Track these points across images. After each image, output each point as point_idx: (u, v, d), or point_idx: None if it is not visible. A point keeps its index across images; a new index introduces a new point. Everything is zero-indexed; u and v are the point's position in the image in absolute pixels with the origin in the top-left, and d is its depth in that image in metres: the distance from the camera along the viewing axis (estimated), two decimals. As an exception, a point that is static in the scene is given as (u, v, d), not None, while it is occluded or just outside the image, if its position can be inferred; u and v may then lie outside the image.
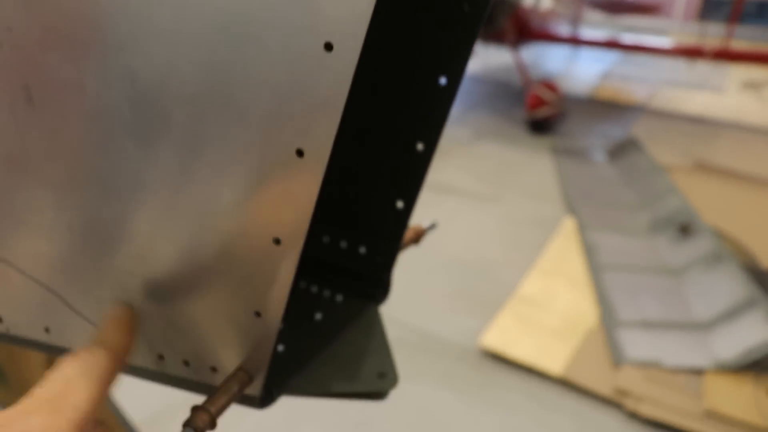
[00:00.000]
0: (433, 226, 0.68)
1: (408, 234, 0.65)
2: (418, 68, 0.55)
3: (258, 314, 0.42)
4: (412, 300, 2.60)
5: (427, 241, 2.86)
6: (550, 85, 4.87)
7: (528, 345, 2.32)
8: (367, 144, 0.61)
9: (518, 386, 2.18)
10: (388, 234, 0.62)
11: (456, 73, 0.53)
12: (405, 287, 2.70)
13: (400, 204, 0.61)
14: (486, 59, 6.59)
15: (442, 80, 0.54)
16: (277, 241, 0.39)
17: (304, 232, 0.38)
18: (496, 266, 2.91)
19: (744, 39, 7.73)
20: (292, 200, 0.37)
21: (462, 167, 4.10)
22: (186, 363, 0.48)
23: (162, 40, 0.36)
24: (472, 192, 3.71)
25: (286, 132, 0.35)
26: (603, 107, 5.86)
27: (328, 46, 0.33)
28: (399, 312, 2.50)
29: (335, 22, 0.32)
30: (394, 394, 0.54)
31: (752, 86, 6.66)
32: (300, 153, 0.35)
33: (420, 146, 0.57)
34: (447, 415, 2.05)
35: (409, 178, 0.59)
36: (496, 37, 5.35)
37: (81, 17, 0.37)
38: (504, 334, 2.37)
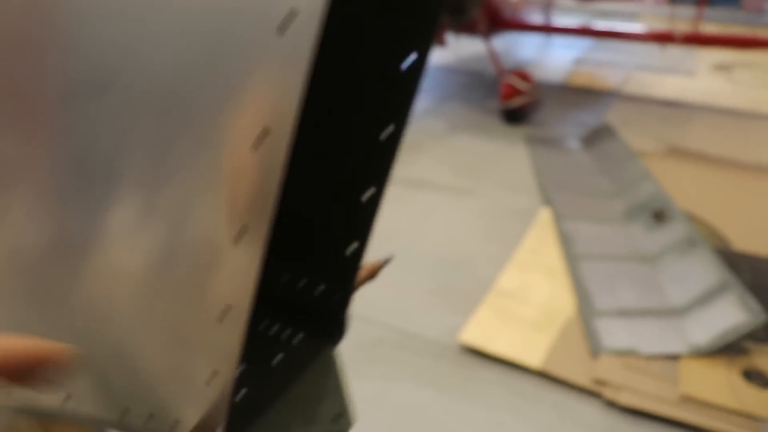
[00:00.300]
0: (388, 261, 0.68)
1: (363, 272, 0.65)
2: (362, 119, 0.55)
3: (215, 373, 0.42)
4: (392, 298, 2.61)
5: (404, 237, 2.87)
6: (523, 75, 4.88)
7: (507, 339, 2.34)
8: (319, 188, 0.61)
9: (499, 380, 2.19)
10: (344, 273, 0.62)
11: (400, 122, 0.53)
12: (384, 286, 2.69)
13: (354, 245, 0.60)
14: (458, 49, 6.58)
15: (389, 129, 0.54)
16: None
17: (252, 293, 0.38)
18: (474, 260, 2.92)
19: (713, 21, 7.80)
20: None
21: (437, 160, 4.10)
22: (151, 416, 0.48)
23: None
24: (447, 185, 3.72)
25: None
26: (577, 94, 5.89)
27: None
28: (379, 312, 2.50)
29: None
30: (376, 393, 0.55)
31: (722, 68, 6.74)
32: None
33: (371, 191, 0.57)
34: (429, 411, 2.07)
35: (360, 221, 0.59)
36: (467, 27, 5.34)
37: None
38: (483, 329, 2.38)
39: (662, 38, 5.18)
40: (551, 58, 7.41)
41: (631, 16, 9.83)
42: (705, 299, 2.38)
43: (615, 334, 2.31)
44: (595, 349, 2.24)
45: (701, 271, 2.54)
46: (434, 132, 4.65)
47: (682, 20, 5.75)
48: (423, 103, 5.32)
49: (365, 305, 2.67)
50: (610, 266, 2.76)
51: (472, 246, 3.06)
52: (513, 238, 3.09)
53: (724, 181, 3.76)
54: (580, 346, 2.29)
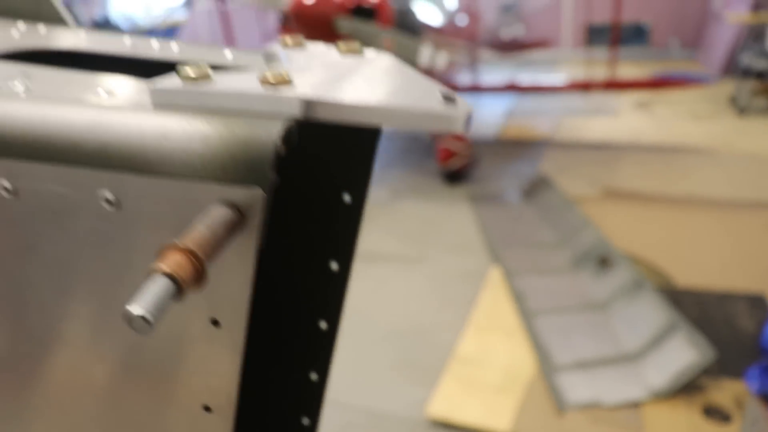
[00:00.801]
0: None
1: None
2: (310, 255, 0.59)
3: None
4: (356, 378, 2.60)
5: (362, 312, 2.86)
6: (457, 136, 5.05)
7: (474, 406, 2.35)
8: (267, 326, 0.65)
9: (471, 452, 2.20)
10: (309, 399, 0.67)
11: (346, 259, 0.58)
12: (346, 366, 2.69)
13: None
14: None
15: (333, 265, 0.59)
16: (207, 408, 0.44)
17: (233, 398, 0.43)
18: (431, 329, 2.95)
19: (626, 59, 8.26)
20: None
21: (384, 230, 4.17)
22: None
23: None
24: (397, 255, 3.77)
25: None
26: (511, 146, 6.11)
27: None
28: (344, 394, 2.49)
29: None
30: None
31: (643, 106, 7.11)
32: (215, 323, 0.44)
33: (323, 325, 0.62)
34: (406, 496, 2.05)
35: (319, 349, 0.64)
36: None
37: None
38: (449, 400, 2.40)
39: (582, 87, 5.46)
40: (482, 112, 7.68)
41: (552, 62, 10.32)
42: (656, 342, 2.47)
43: (577, 387, 2.36)
44: (560, 405, 2.28)
45: (649, 313, 2.64)
46: (378, 200, 4.73)
47: (599, 63, 6.09)
48: (365, 172, 5.41)
49: (330, 387, 2.66)
50: (565, 319, 2.84)
51: (428, 314, 3.10)
52: (467, 301, 3.14)
53: (658, 217, 3.93)
54: (546, 404, 2.33)
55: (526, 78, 7.13)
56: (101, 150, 0.43)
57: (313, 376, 0.62)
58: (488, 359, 2.65)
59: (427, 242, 3.94)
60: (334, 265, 0.60)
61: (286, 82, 0.45)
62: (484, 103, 8.01)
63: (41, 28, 0.79)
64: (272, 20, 5.65)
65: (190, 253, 0.36)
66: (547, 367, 2.50)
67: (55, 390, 0.51)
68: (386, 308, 3.19)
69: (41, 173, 0.44)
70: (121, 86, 0.52)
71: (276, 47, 0.60)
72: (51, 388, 0.51)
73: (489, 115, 7.49)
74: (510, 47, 9.34)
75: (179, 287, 0.34)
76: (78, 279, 0.47)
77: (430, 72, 5.31)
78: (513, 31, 10.90)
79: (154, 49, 0.70)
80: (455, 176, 4.95)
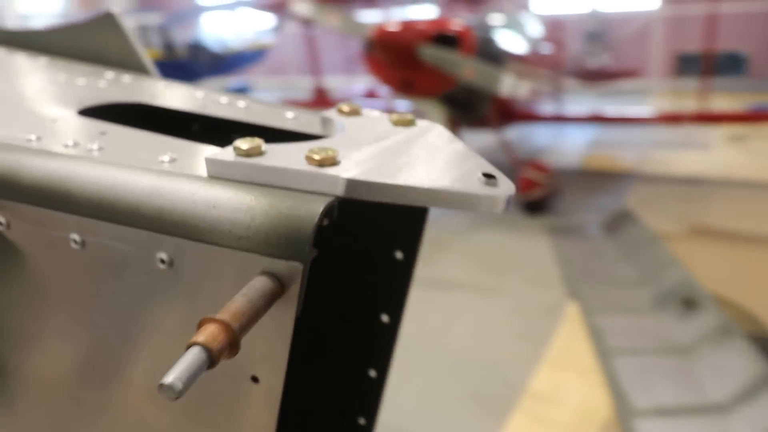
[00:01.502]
0: None
1: None
2: (361, 308, 0.61)
3: None
4: (424, 407, 2.58)
5: (434, 340, 2.86)
6: (539, 166, 4.97)
7: (545, 447, 2.28)
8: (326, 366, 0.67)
9: (540, 494, 2.12)
10: None
11: (396, 311, 0.60)
12: (415, 394, 2.68)
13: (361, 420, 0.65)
14: (473, 141, 6.74)
15: (384, 317, 0.60)
16: None
17: None
18: (504, 362, 2.89)
19: (721, 90, 7.93)
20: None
21: (461, 259, 4.13)
22: None
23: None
24: (473, 284, 3.73)
25: None
26: (594, 178, 5.96)
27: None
28: (411, 422, 2.47)
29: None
30: None
31: (737, 140, 6.78)
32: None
33: (372, 373, 0.63)
34: None
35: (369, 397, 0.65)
36: (480, 122, 5.51)
37: None
38: (519, 438, 2.33)
39: (672, 119, 5.27)
40: (565, 142, 7.54)
41: (640, 92, 10.02)
42: (748, 394, 2.31)
43: (656, 436, 2.24)
44: (637, 454, 2.17)
45: (740, 362, 2.48)
46: (456, 229, 4.71)
47: (690, 94, 5.87)
48: (442, 199, 5.40)
49: (396, 415, 2.65)
50: (644, 360, 2.71)
51: (501, 347, 3.04)
52: (542, 336, 3.06)
53: (752, 259, 3.72)
54: (622, 451, 2.22)
55: (611, 108, 6.95)
56: (158, 214, 0.47)
57: (361, 421, 0.64)
58: (561, 397, 2.56)
59: (503, 273, 3.88)
60: (384, 318, 0.63)
61: (331, 160, 0.47)
62: (568, 133, 7.86)
63: (125, 77, 0.86)
64: (356, 46, 5.78)
65: (226, 325, 0.39)
66: (623, 410, 2.40)
67: (109, 424, 0.56)
68: (458, 337, 3.15)
69: (106, 230, 0.49)
70: (185, 151, 0.56)
71: (333, 113, 0.62)
72: (107, 422, 0.55)
73: (572, 145, 7.35)
74: (595, 77, 9.15)
75: (212, 357, 0.38)
76: (134, 327, 0.52)
77: (511, 101, 5.28)
78: (599, 60, 10.68)
79: (222, 104, 0.74)
80: (535, 207, 4.86)
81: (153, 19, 9.42)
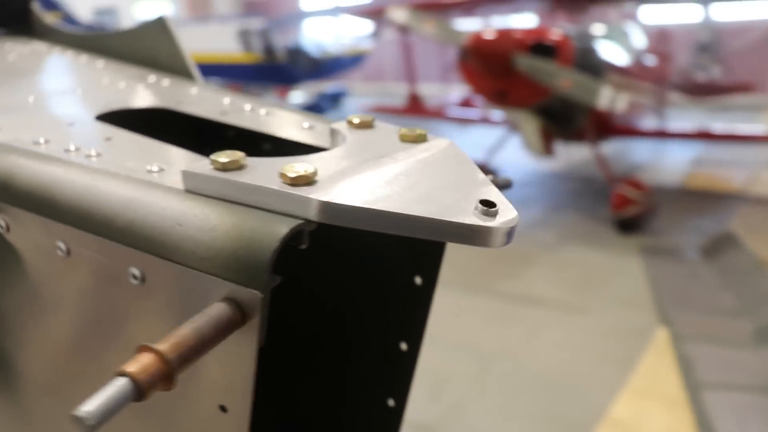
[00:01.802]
0: (509, 184, 0.68)
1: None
2: (380, 335, 0.59)
3: None
4: (496, 426, 2.52)
5: (513, 356, 2.79)
6: (635, 183, 4.76)
7: (622, 479, 2.16)
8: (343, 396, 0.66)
9: None
10: None
11: (415, 339, 0.57)
12: (488, 411, 2.62)
13: None
14: (568, 154, 6.53)
15: (403, 345, 0.58)
16: None
17: None
18: (584, 384, 2.78)
19: None
20: None
21: (547, 275, 4.01)
22: None
23: None
24: (557, 302, 3.61)
25: None
26: (696, 198, 5.64)
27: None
28: (483, 441, 2.42)
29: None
30: None
31: None
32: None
33: (391, 402, 0.61)
34: None
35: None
36: (576, 135, 5.34)
37: None
38: (595, 467, 2.23)
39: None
40: (667, 159, 7.18)
41: (753, 109, 9.40)
42: None
43: (747, 480, 2.08)
44: (723, 498, 2.02)
45: None
46: (543, 244, 4.58)
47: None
48: (532, 213, 5.28)
49: (468, 431, 2.60)
50: (740, 398, 2.53)
51: (582, 369, 2.92)
52: (627, 361, 2.92)
53: None
54: (707, 492, 2.08)
55: (720, 125, 6.55)
56: (130, 227, 0.45)
57: (391, 402, 0.61)
58: (643, 428, 2.43)
59: (590, 292, 3.73)
60: (403, 346, 0.60)
61: (307, 179, 0.43)
62: (670, 150, 7.49)
63: (165, 81, 0.87)
64: (452, 54, 5.76)
65: (161, 356, 0.36)
66: (712, 449, 2.24)
67: None
68: (539, 355, 3.05)
69: (87, 241, 0.48)
70: (179, 162, 0.54)
71: (341, 125, 0.59)
72: None
73: (674, 162, 6.99)
74: (704, 91, 8.66)
75: (139, 390, 0.35)
76: (112, 341, 0.51)
77: (609, 114, 5.09)
78: (709, 73, 10.11)
79: (244, 111, 0.73)
80: (629, 225, 4.65)
81: (255, 23, 9.75)
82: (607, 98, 4.32)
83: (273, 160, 0.47)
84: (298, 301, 0.65)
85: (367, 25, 10.38)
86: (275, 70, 9.54)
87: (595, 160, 5.26)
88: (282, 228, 0.40)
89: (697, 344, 2.96)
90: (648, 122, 6.48)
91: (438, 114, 7.32)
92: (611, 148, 6.30)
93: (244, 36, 9.55)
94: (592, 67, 4.84)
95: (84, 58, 0.98)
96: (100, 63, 0.97)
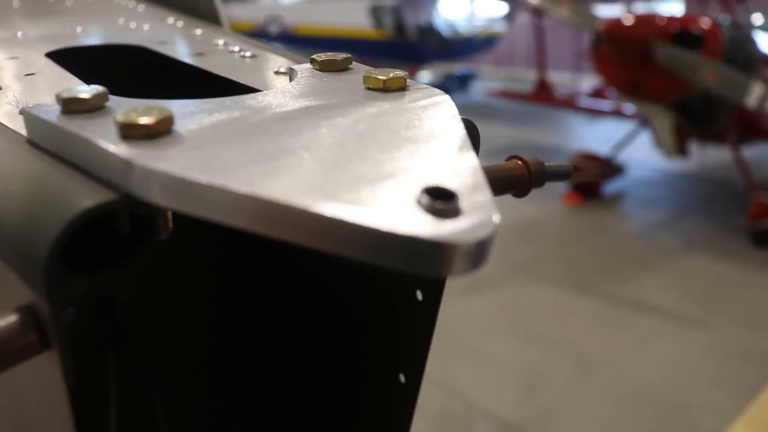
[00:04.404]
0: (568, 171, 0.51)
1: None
2: (378, 366, 0.50)
3: None
4: (590, 437, 2.37)
5: (616, 365, 2.63)
6: (778, 190, 4.31)
7: None
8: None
9: None
10: None
11: (415, 370, 0.47)
12: (583, 419, 2.47)
13: None
14: (704, 156, 6.02)
15: (401, 378, 0.48)
16: None
17: None
18: (694, 407, 2.55)
19: None
20: None
21: (666, 283, 3.72)
22: None
23: None
24: (674, 313, 3.34)
25: None
26: None
27: None
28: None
29: None
30: None
31: None
32: None
33: None
34: None
35: None
36: (715, 136, 4.90)
37: None
38: (695, 498, 2.03)
39: None
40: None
41: None
42: None
43: None
44: None
45: None
46: (666, 249, 4.26)
47: None
48: (656, 215, 4.93)
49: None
50: None
51: (694, 388, 2.68)
52: (748, 387, 2.64)
53: None
54: None
55: None
56: None
57: None
58: (758, 465, 2.19)
59: (713, 307, 3.42)
60: (402, 378, 0.48)
61: (146, 131, 0.29)
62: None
63: (179, 22, 0.78)
64: (586, 41, 5.46)
65: None
66: (839, 500, 1.98)
67: None
68: (646, 368, 2.84)
69: None
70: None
71: (305, 66, 0.46)
72: None
73: (829, 172, 6.26)
74: None
75: None
76: None
77: (758, 114, 4.62)
78: None
79: (227, 52, 0.60)
80: (766, 238, 4.22)
81: (388, 0, 9.76)
82: (758, 96, 3.90)
83: (138, 103, 0.34)
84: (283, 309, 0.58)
85: (501, 7, 10.10)
86: (405, 48, 9.52)
87: (735, 163, 4.80)
88: (76, 204, 0.27)
89: (834, 379, 2.63)
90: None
91: (567, 103, 7.00)
92: (755, 152, 5.74)
93: (375, 12, 9.59)
94: (745, 60, 4.40)
95: (126, 2, 0.95)
96: (141, 7, 0.91)
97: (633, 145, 5.51)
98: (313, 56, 0.45)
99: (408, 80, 0.42)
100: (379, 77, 0.40)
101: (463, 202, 0.23)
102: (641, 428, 2.43)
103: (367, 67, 0.44)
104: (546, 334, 3.11)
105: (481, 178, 0.26)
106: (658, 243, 4.36)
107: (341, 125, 0.33)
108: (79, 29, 0.73)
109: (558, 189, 5.21)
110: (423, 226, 0.22)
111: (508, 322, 3.27)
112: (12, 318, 0.28)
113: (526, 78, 9.99)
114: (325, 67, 0.44)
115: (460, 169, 0.27)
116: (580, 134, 7.97)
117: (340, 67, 0.44)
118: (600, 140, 6.50)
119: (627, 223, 4.84)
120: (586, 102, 6.94)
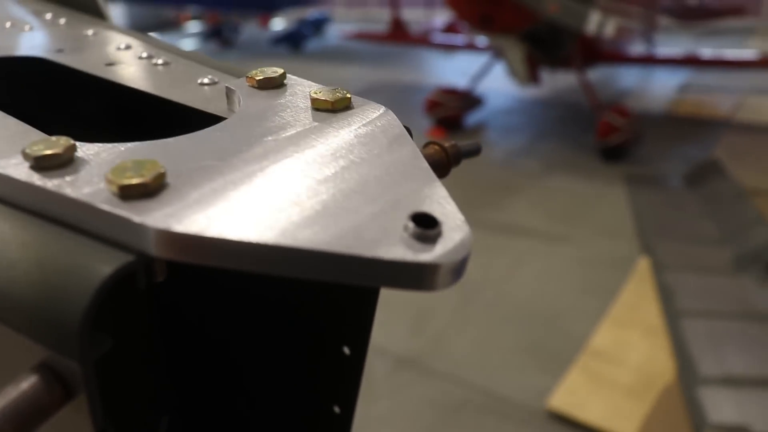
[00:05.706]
0: (477, 149, 0.56)
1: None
2: (322, 339, 0.51)
3: None
4: (478, 356, 2.55)
5: (493, 288, 2.80)
6: (620, 110, 4.69)
7: (599, 406, 2.21)
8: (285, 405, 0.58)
9: (590, 453, 2.08)
10: None
11: (348, 401, 0.49)
12: (471, 342, 2.65)
13: None
14: (554, 81, 6.40)
15: (336, 409, 0.50)
16: None
17: None
18: (566, 315, 2.80)
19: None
20: None
21: (532, 204, 4.00)
22: None
23: None
24: (540, 231, 3.61)
25: None
26: (682, 124, 5.59)
27: None
28: (464, 370, 2.45)
29: None
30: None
31: None
32: None
33: (336, 409, 0.53)
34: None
35: None
36: (562, 62, 5.22)
37: None
38: (574, 395, 2.27)
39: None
40: (654, 85, 7.08)
41: (746, 32, 9.23)
42: (827, 369, 2.15)
43: (722, 406, 2.13)
44: (698, 424, 2.07)
45: (822, 334, 2.31)
46: (528, 172, 4.55)
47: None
48: (517, 141, 5.23)
49: (451, 362, 2.63)
50: (716, 325, 2.56)
51: (565, 299, 2.94)
52: (608, 291, 2.94)
53: None
54: (681, 417, 2.13)
55: (708, 50, 6.43)
56: None
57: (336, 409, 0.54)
58: (622, 357, 2.47)
59: (573, 222, 3.73)
60: (336, 409, 0.50)
61: (145, 190, 0.29)
62: (657, 76, 7.38)
63: (62, 19, 0.68)
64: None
65: None
66: (688, 376, 2.28)
67: None
68: (521, 286, 3.07)
69: None
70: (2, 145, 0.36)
71: (241, 83, 0.44)
72: None
73: (661, 88, 6.89)
74: (695, 15, 8.44)
75: None
76: None
77: (597, 40, 4.96)
78: (700, -5, 9.85)
79: (140, 60, 0.54)
80: (613, 153, 4.62)
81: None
82: (596, 23, 4.19)
83: (110, 151, 0.33)
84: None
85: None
86: (254, -4, 9.18)
87: (581, 87, 5.16)
88: (99, 271, 0.27)
89: (677, 273, 2.98)
90: (636, 48, 6.35)
91: (422, 41, 7.12)
92: (598, 74, 6.19)
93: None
94: (582, -10, 4.67)
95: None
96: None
97: (489, 77, 5.74)
98: (248, 74, 0.44)
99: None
100: (327, 99, 0.39)
101: (444, 227, 0.27)
102: (523, 341, 2.64)
103: (302, 81, 0.44)
104: (429, 268, 3.26)
105: (452, 204, 0.29)
106: (521, 168, 4.64)
107: (316, 159, 0.34)
108: None
109: (422, 124, 5.35)
110: (415, 253, 0.26)
111: (392, 261, 3.38)
112: (33, 378, 0.28)
113: (379, 18, 9.99)
114: (263, 86, 0.43)
115: (431, 191, 0.30)
116: (437, 70, 8.17)
117: (277, 83, 0.44)
118: (457, 74, 6.70)
119: (491, 152, 5.08)
120: (440, 38, 7.09)
